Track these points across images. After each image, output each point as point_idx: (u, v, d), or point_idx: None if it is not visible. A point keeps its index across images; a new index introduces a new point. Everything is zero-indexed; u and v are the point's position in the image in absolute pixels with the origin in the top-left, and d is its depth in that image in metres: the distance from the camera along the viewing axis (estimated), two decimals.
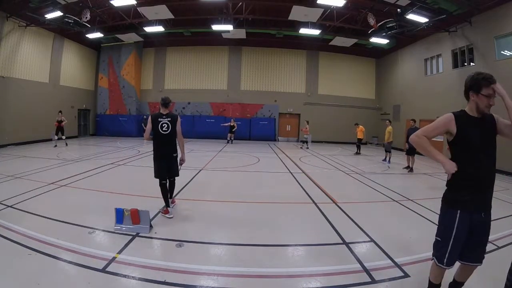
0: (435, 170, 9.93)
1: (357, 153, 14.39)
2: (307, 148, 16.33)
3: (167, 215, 4.54)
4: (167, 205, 4.65)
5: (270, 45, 19.95)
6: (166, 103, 4.64)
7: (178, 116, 4.70)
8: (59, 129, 13.03)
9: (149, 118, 4.61)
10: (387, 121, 12.60)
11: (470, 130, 2.17)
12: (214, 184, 7.26)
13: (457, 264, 2.43)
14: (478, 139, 2.15)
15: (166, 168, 4.63)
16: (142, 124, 17.20)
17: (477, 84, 2.19)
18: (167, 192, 4.68)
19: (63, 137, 13.20)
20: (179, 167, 4.82)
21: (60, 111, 13.40)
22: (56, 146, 13.00)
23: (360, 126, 14.58)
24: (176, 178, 4.88)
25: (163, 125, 4.54)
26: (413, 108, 16.51)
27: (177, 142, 4.73)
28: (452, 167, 2.15)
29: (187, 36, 18.41)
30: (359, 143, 14.69)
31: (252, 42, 19.34)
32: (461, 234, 2.20)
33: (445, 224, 2.25)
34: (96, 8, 13.63)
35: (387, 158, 11.81)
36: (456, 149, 2.23)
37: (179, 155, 4.78)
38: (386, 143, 11.98)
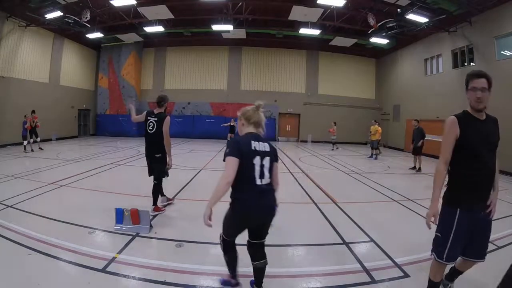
0: None
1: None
2: (332, 149, 16.08)
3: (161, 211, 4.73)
4: (162, 195, 4.87)
5: (270, 45, 19.94)
6: (158, 101, 4.58)
7: (167, 117, 4.54)
8: (33, 131, 11.72)
9: (145, 112, 4.68)
10: (373, 121, 13.37)
11: (471, 130, 2.17)
12: (214, 184, 7.23)
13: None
14: (479, 140, 2.15)
15: (149, 167, 4.71)
16: None
17: (466, 81, 2.23)
18: (161, 189, 4.85)
19: (38, 139, 11.93)
20: (165, 170, 4.68)
21: (33, 111, 11.91)
22: (32, 150, 11.52)
23: (374, 126, 13.32)
24: (159, 181, 4.69)
25: (150, 123, 4.52)
26: (413, 108, 16.51)
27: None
28: (431, 214, 2.25)
29: (187, 36, 18.39)
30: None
31: (252, 42, 19.33)
32: (461, 232, 2.22)
33: (445, 221, 2.27)
34: (96, 8, 13.61)
35: (373, 155, 12.78)
36: (457, 149, 2.23)
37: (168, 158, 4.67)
38: (373, 140, 12.82)
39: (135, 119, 4.72)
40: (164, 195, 5.07)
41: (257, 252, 2.54)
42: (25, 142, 11.19)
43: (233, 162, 2.17)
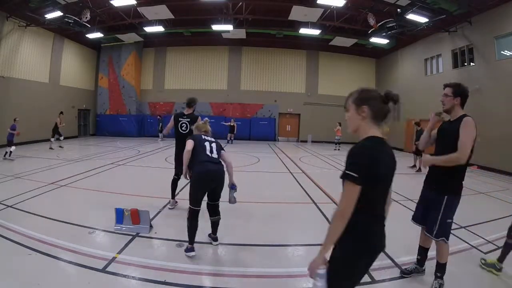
0: None
1: None
2: (335, 148, 16.14)
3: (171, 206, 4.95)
4: (172, 197, 5.00)
5: (270, 45, 19.94)
6: (188, 103, 4.88)
7: (199, 117, 4.83)
8: (56, 130, 12.76)
9: (172, 116, 4.95)
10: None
11: (439, 129, 2.84)
12: None
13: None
14: (440, 138, 2.82)
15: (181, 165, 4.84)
16: (160, 124, 17.99)
17: None
18: (175, 188, 4.98)
19: (61, 138, 12.95)
20: None
21: (61, 112, 13.32)
22: (62, 147, 12.91)
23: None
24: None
25: (182, 124, 4.78)
26: (413, 108, 16.49)
27: None
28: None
29: (187, 36, 18.40)
30: None
31: (252, 42, 19.33)
32: (420, 199, 2.98)
33: None
34: (96, 8, 13.62)
35: None
36: None
37: None
38: None
39: (168, 128, 5.02)
40: (174, 199, 5.02)
41: (213, 211, 3.51)
42: (13, 148, 9.88)
43: (190, 142, 3.45)
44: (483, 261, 3.26)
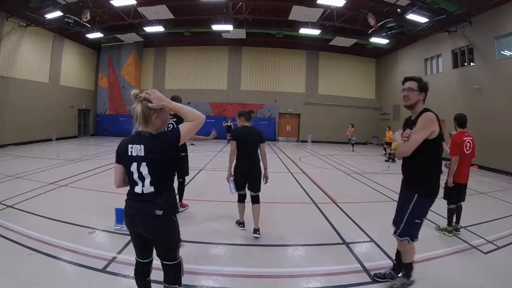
0: None
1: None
2: (352, 150, 16.22)
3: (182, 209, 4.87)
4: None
5: (270, 45, 19.95)
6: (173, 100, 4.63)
7: None
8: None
9: None
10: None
11: (402, 126, 2.71)
12: (214, 184, 7.26)
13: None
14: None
15: None
16: None
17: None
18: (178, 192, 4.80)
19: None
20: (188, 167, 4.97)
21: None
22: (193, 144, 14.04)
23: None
24: (184, 179, 4.96)
25: (169, 125, 4.40)
26: None
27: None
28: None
29: (187, 36, 18.41)
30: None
31: (252, 42, 19.34)
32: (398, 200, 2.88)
33: (426, 208, 2.73)
34: (96, 8, 13.62)
35: (391, 158, 12.64)
36: None
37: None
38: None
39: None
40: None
41: (164, 270, 2.02)
42: None
43: (116, 168, 2.01)
44: (437, 228, 4.03)
